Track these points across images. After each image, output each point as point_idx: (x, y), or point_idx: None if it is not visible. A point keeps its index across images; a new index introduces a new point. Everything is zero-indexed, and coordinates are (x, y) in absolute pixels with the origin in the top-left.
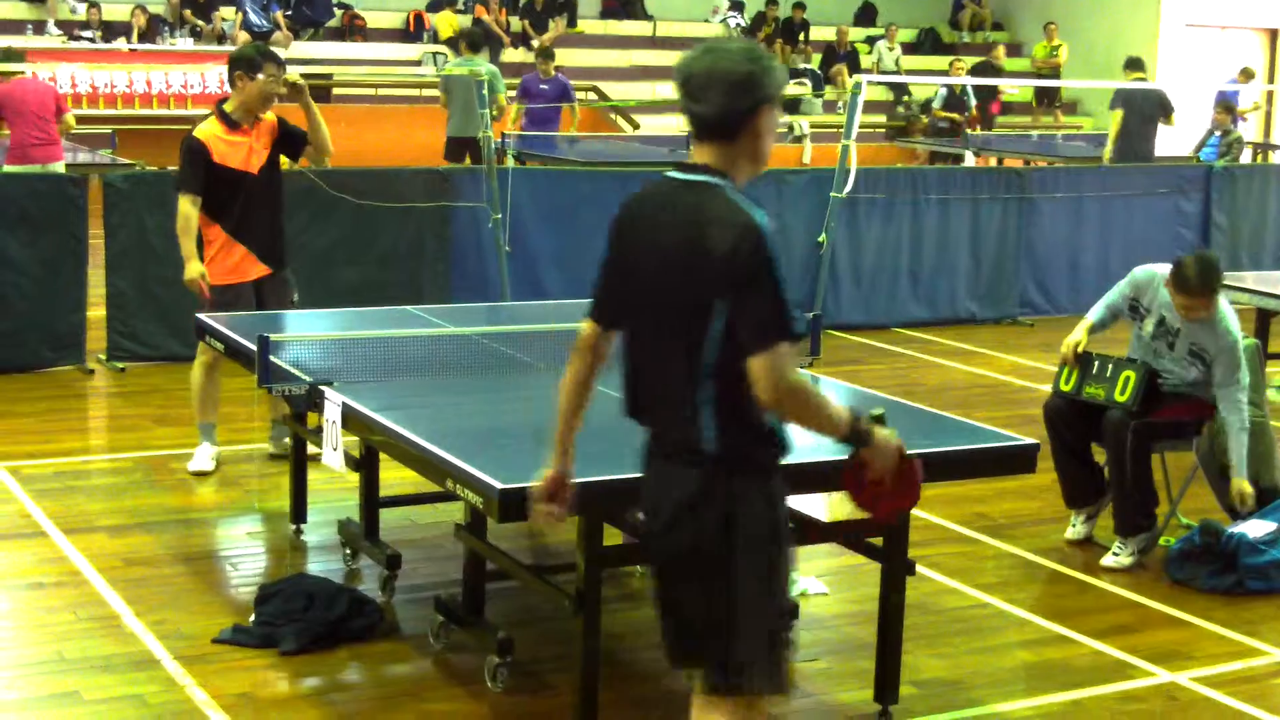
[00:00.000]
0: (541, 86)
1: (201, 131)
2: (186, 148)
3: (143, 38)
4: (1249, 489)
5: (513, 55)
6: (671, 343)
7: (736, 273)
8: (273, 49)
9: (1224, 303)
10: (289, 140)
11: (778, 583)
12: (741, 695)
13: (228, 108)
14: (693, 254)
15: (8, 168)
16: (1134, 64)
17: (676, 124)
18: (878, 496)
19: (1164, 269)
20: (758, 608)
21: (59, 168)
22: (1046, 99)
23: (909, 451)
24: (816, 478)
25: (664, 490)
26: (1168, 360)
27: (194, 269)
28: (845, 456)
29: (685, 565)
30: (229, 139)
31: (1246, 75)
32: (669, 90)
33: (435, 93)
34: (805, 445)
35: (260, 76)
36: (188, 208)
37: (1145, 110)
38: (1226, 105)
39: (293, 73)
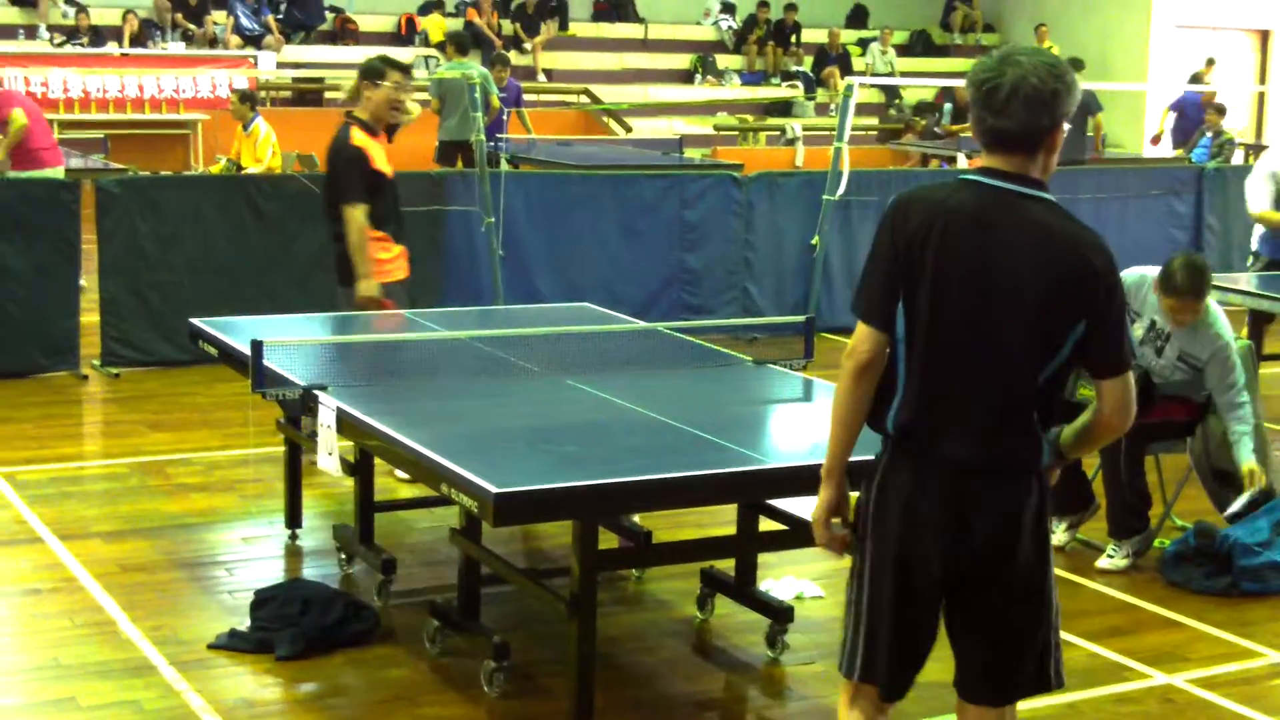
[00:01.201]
0: (501, 94)
1: (356, 139)
2: (346, 158)
3: (134, 42)
4: (1258, 468)
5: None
6: (1011, 356)
7: (1107, 294)
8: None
9: (1214, 305)
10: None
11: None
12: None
13: (361, 115)
14: (1069, 272)
15: (28, 173)
16: (1073, 64)
17: (668, 127)
18: None
19: (1153, 272)
20: (1055, 610)
21: (61, 172)
22: None
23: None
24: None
25: (988, 508)
26: (1156, 366)
27: (371, 287)
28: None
29: (1020, 582)
30: (373, 144)
31: (1208, 66)
32: (661, 93)
33: (425, 96)
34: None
35: (384, 84)
36: (360, 218)
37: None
38: (1218, 107)
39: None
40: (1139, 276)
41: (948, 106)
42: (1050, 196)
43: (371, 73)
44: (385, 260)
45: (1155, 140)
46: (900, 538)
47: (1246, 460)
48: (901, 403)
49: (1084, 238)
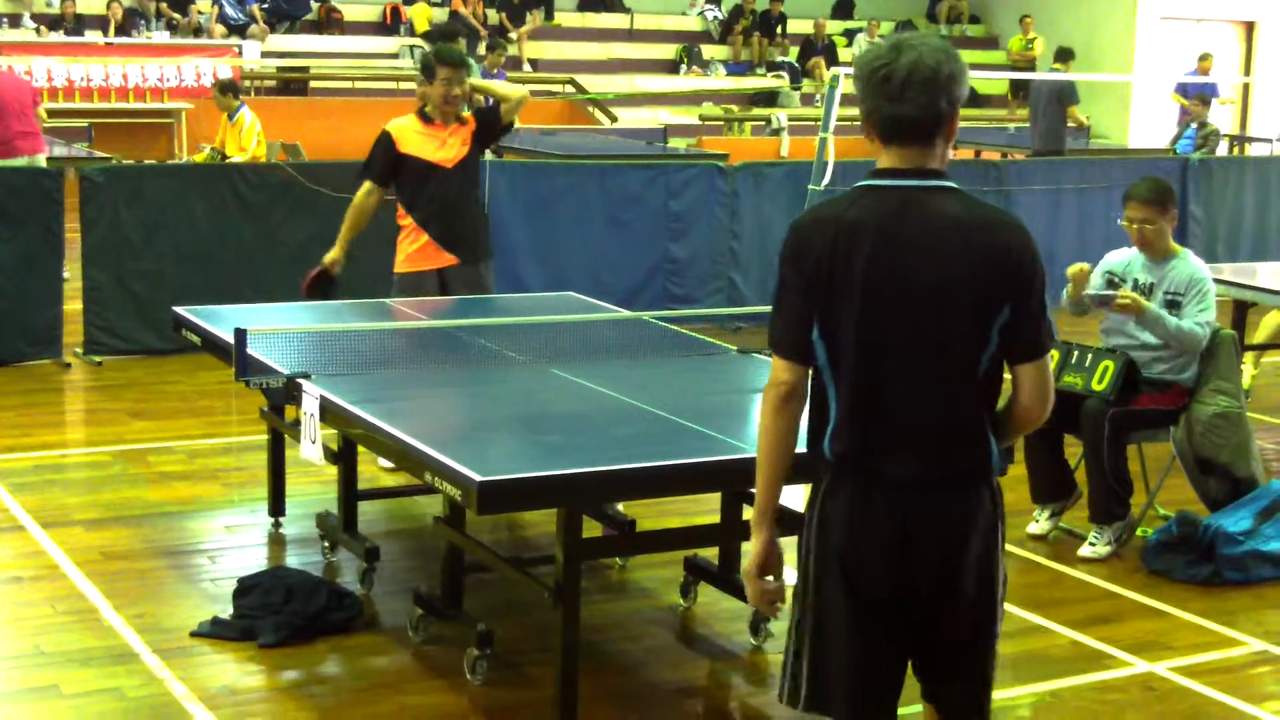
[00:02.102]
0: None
1: (393, 124)
2: (377, 138)
3: (119, 31)
4: (1137, 301)
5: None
6: (946, 357)
7: (1027, 275)
8: (453, 49)
9: (1191, 255)
10: (485, 126)
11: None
12: None
13: (425, 106)
14: (987, 258)
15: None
16: (1062, 55)
17: (653, 116)
18: None
19: (1133, 250)
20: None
21: (42, 160)
22: (1021, 91)
23: None
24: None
25: (943, 519)
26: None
27: (331, 254)
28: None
29: (978, 592)
30: (421, 131)
31: (1205, 62)
32: (646, 83)
33: (413, 85)
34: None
35: (435, 81)
36: (361, 195)
37: (1045, 98)
38: (1202, 98)
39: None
40: (1120, 256)
41: None
42: (953, 185)
43: (425, 69)
44: (411, 248)
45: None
46: (847, 561)
47: (1146, 303)
48: (835, 428)
49: (999, 220)
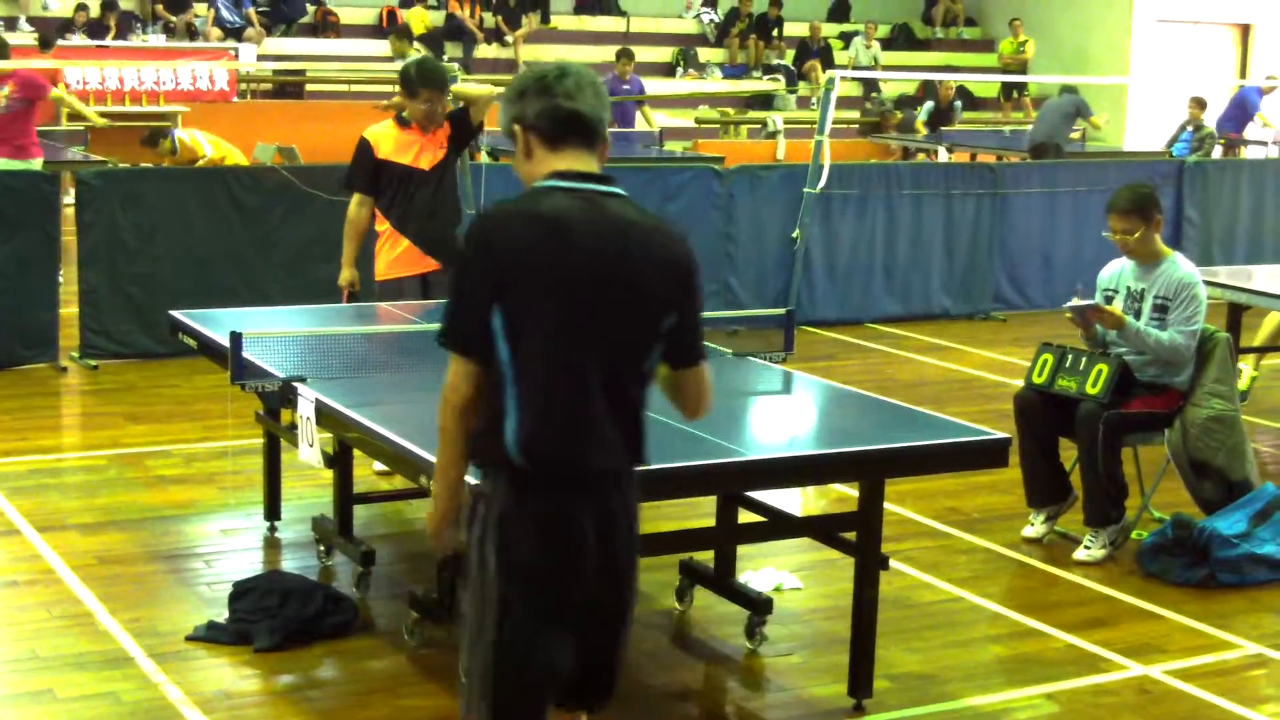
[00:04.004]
0: (624, 87)
1: (370, 131)
2: (357, 147)
3: (112, 33)
4: (1117, 312)
5: (486, 51)
6: (621, 356)
7: (692, 283)
8: (437, 68)
9: (1180, 257)
10: (458, 127)
11: None
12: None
13: (403, 111)
14: (662, 265)
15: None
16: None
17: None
18: None
19: (1122, 260)
20: None
21: (40, 164)
22: (1015, 94)
23: None
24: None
25: (612, 516)
26: (1141, 330)
27: (343, 276)
28: None
29: (631, 591)
30: (399, 136)
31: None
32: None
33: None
34: (776, 441)
35: (418, 99)
36: (353, 209)
37: (1053, 107)
38: (1199, 100)
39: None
40: (1110, 270)
41: (928, 105)
42: (623, 191)
43: (406, 84)
44: (392, 254)
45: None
46: (539, 566)
47: (1128, 319)
48: (519, 426)
49: (670, 230)
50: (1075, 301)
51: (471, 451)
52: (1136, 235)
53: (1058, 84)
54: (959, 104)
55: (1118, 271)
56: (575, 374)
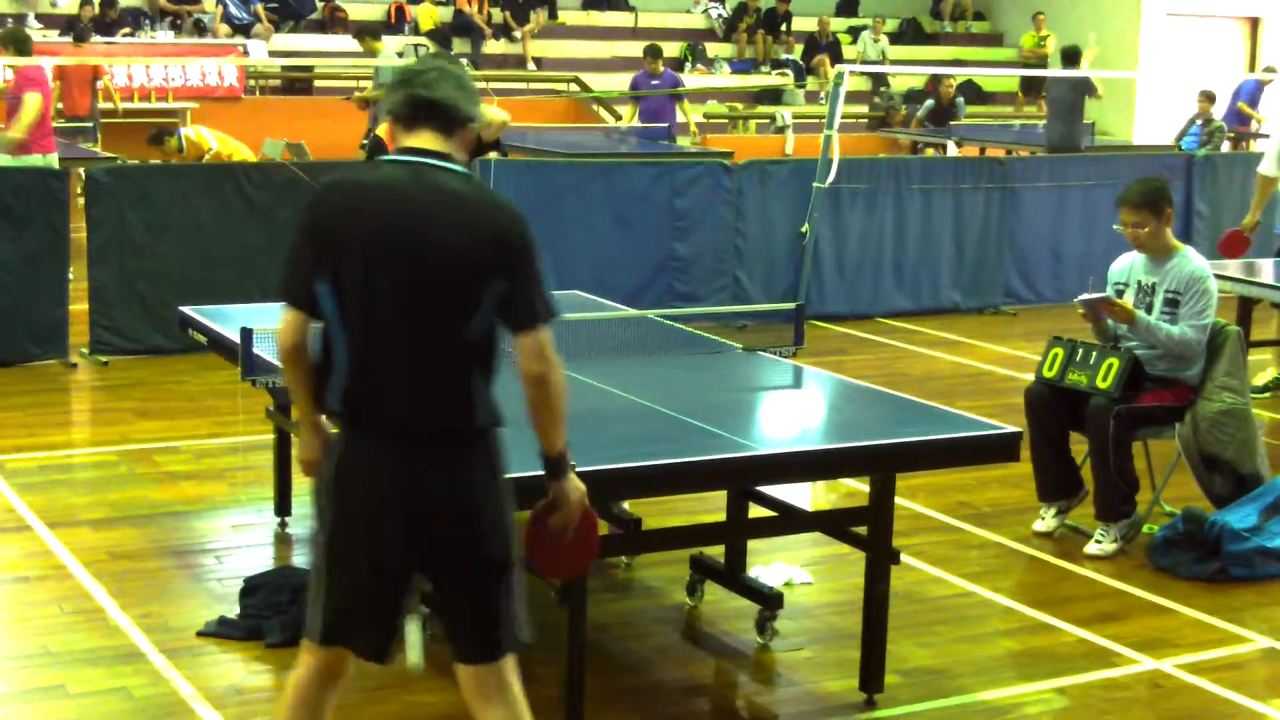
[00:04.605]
0: (653, 83)
1: (383, 128)
2: (370, 144)
3: (119, 29)
4: (1128, 307)
5: (494, 47)
6: (434, 318)
7: (515, 249)
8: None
9: (1192, 250)
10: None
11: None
12: (510, 654)
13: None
14: (469, 232)
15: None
16: (1068, 57)
17: None
18: (552, 549)
19: (1132, 254)
20: (517, 562)
21: (55, 160)
22: (1033, 89)
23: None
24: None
25: (435, 474)
26: (1153, 324)
27: None
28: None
29: (471, 546)
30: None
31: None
32: (649, 82)
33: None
34: (785, 436)
35: None
36: None
37: (1064, 96)
38: (1208, 94)
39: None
40: (1121, 263)
41: (928, 103)
42: (465, 170)
43: None
44: None
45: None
46: (359, 510)
47: (1140, 313)
48: (342, 378)
49: (495, 202)
50: (1087, 295)
51: (317, 399)
52: (1147, 229)
53: (1064, 78)
54: (961, 100)
55: (1128, 265)
56: (386, 334)
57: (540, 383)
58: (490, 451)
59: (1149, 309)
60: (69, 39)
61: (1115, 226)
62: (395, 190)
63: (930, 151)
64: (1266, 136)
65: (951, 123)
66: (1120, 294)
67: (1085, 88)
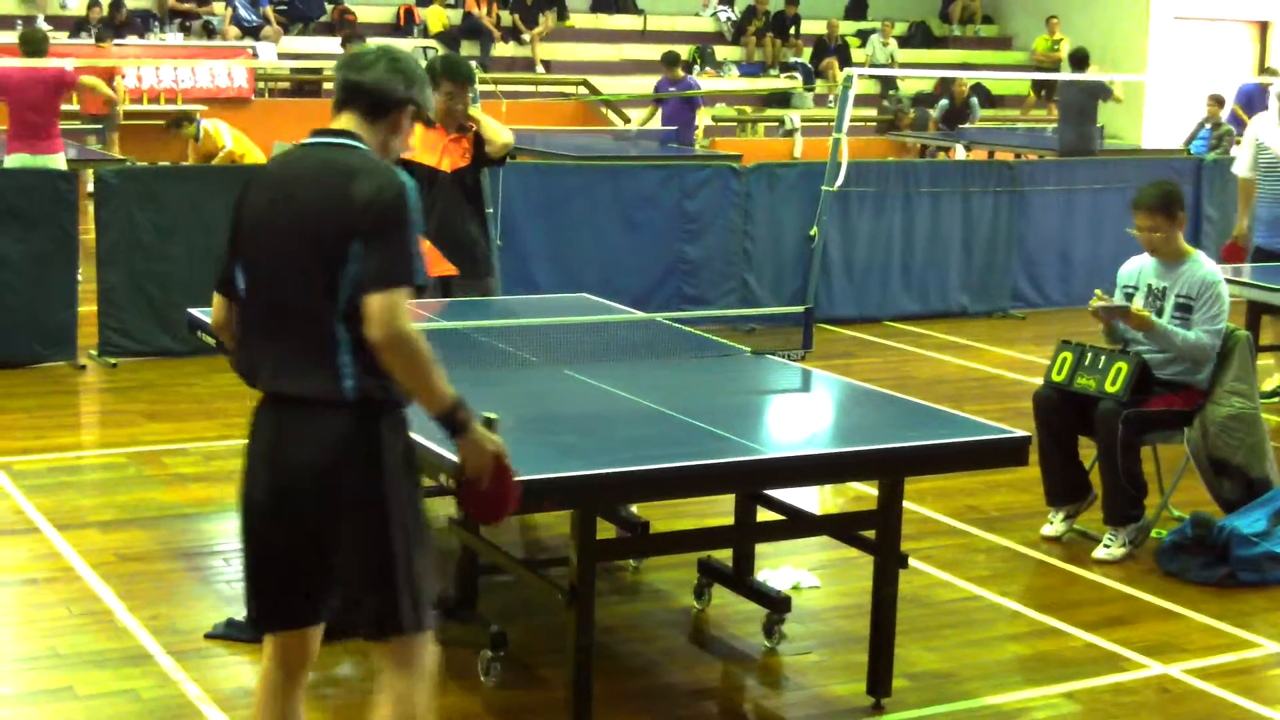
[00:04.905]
0: (670, 89)
1: None
2: None
3: (132, 31)
4: (1147, 315)
5: (503, 50)
6: (301, 287)
7: (374, 215)
8: (460, 63)
9: (1203, 256)
10: (479, 150)
11: (422, 516)
12: (405, 633)
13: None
14: (335, 199)
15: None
16: (1078, 59)
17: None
18: (474, 499)
19: (1142, 256)
20: (413, 542)
21: (62, 161)
22: (1044, 92)
23: (509, 463)
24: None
25: (304, 444)
26: (1165, 327)
27: None
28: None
29: (338, 517)
30: (424, 135)
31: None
32: (656, 82)
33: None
34: (794, 439)
35: (438, 92)
36: None
37: (1076, 99)
38: (1217, 98)
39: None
40: (1130, 265)
41: (942, 103)
42: (361, 146)
43: (430, 76)
44: None
45: None
46: (250, 480)
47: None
48: (242, 351)
49: (371, 170)
50: (1103, 302)
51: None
52: (1161, 233)
53: (1075, 81)
54: (975, 101)
55: (1138, 268)
56: (267, 306)
57: (390, 347)
58: (370, 426)
59: (1159, 313)
60: (81, 40)
61: (1129, 230)
62: (287, 172)
63: (942, 155)
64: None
65: (964, 125)
66: (1130, 297)
67: (1099, 91)
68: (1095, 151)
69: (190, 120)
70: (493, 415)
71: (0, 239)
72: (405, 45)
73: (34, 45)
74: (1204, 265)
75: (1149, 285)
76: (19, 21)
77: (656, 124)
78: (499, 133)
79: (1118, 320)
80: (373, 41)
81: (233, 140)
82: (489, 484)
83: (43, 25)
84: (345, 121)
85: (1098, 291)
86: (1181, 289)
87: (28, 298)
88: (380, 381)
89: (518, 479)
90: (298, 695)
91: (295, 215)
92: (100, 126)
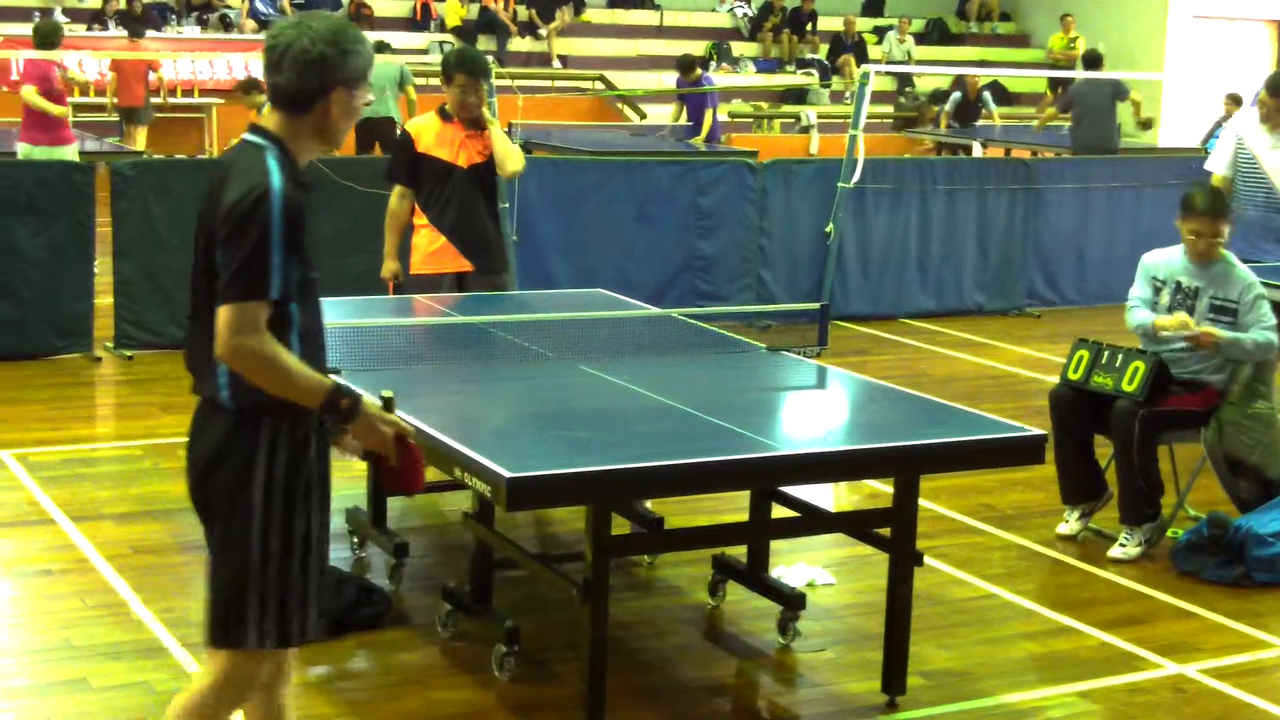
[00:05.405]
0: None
1: (412, 123)
2: (397, 139)
3: (149, 25)
4: (1202, 328)
5: (519, 44)
6: (204, 295)
7: (231, 222)
8: (475, 57)
9: (1234, 256)
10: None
11: (297, 536)
12: (243, 648)
13: (446, 105)
14: (213, 204)
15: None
16: (1091, 60)
17: (682, 113)
18: (388, 475)
19: (1170, 248)
20: (276, 561)
21: (75, 152)
22: (1060, 90)
23: (410, 438)
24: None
25: (197, 443)
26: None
27: (385, 269)
28: None
29: (213, 518)
30: (440, 130)
31: None
32: (674, 79)
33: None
34: (806, 437)
35: (452, 85)
36: (393, 201)
37: (1097, 100)
38: (1234, 97)
39: (485, 112)
40: (1157, 254)
41: (955, 96)
42: (268, 145)
43: (444, 69)
44: (430, 248)
45: None
46: None
47: (1208, 327)
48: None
49: (242, 173)
50: (1176, 332)
51: None
52: (1219, 239)
53: (1096, 80)
54: (987, 95)
55: (1167, 261)
56: (194, 307)
57: (234, 362)
58: (247, 435)
59: (1191, 311)
60: (95, 32)
61: (1181, 228)
62: (214, 174)
63: (963, 152)
64: None
65: (980, 122)
66: (1157, 290)
67: (1120, 91)
68: (1116, 150)
69: (260, 90)
70: (388, 394)
71: (17, 231)
72: (421, 40)
73: (45, 37)
74: (1241, 268)
75: (1179, 282)
76: (37, 14)
77: (684, 122)
78: (509, 159)
79: (1182, 339)
80: (380, 36)
81: None
82: (397, 460)
83: (60, 18)
84: (270, 119)
85: (1163, 322)
86: (1218, 292)
87: (44, 290)
88: (259, 394)
89: (423, 449)
90: (279, 703)
91: (200, 220)
92: (118, 119)
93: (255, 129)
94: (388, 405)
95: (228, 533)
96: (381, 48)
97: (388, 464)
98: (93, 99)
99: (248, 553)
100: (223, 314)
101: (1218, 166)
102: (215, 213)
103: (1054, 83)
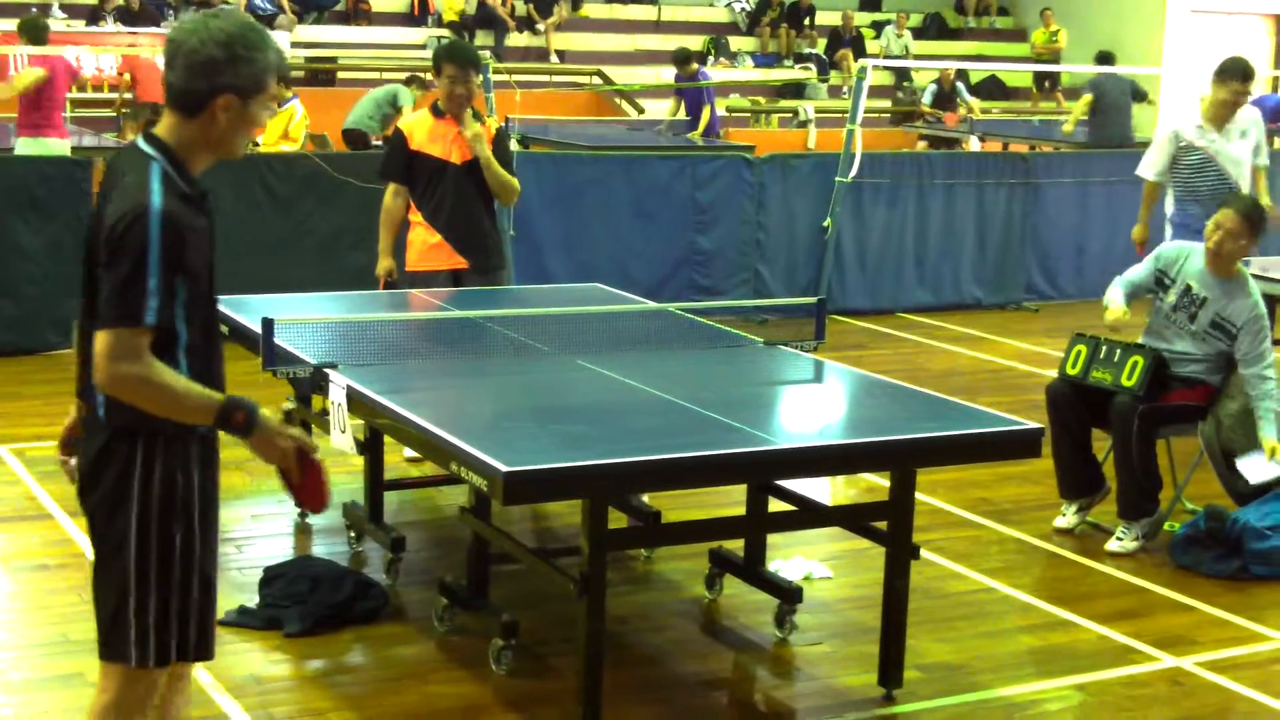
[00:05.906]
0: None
1: (404, 121)
2: (390, 137)
3: (147, 19)
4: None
5: (517, 39)
6: (88, 312)
7: (110, 244)
8: (463, 48)
9: (1250, 277)
10: (497, 152)
11: (177, 555)
12: (122, 663)
13: (438, 101)
14: (96, 219)
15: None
16: (1104, 57)
17: (680, 108)
18: (294, 490)
19: (1196, 246)
20: (153, 578)
21: (67, 147)
22: (1047, 84)
23: (312, 453)
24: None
25: (81, 456)
26: (1185, 333)
27: (381, 265)
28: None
29: (94, 530)
30: (432, 127)
31: None
32: (672, 74)
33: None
34: (803, 431)
35: (441, 77)
36: (387, 198)
37: (1116, 96)
38: None
39: (474, 124)
40: (1178, 248)
41: (931, 87)
42: (156, 156)
43: (434, 63)
44: (424, 245)
45: None
46: None
47: (1269, 438)
48: None
49: (125, 189)
50: (1259, 478)
51: None
52: (1240, 245)
53: (1090, 73)
54: (960, 86)
55: (1181, 259)
56: (81, 316)
57: (112, 390)
58: (124, 452)
59: (1191, 318)
60: (95, 28)
61: (1209, 224)
62: (104, 181)
63: (924, 145)
64: None
65: (971, 117)
66: (1161, 282)
67: (1138, 92)
68: (1132, 145)
69: (288, 85)
70: (289, 405)
71: (17, 227)
72: (419, 35)
73: (33, 33)
74: (1254, 293)
75: (1189, 285)
76: (34, 9)
77: (682, 117)
78: (503, 193)
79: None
80: (378, 32)
81: (306, 137)
82: (298, 476)
83: (57, 13)
84: (163, 124)
85: (1114, 315)
86: (1224, 310)
87: (42, 285)
88: (135, 413)
89: (325, 464)
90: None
91: (89, 233)
92: (116, 115)
93: (147, 135)
94: (289, 418)
95: (105, 548)
96: (410, 80)
97: (291, 480)
98: (89, 94)
99: (125, 570)
100: (100, 340)
101: (1149, 172)
102: (99, 230)
103: (1039, 78)
